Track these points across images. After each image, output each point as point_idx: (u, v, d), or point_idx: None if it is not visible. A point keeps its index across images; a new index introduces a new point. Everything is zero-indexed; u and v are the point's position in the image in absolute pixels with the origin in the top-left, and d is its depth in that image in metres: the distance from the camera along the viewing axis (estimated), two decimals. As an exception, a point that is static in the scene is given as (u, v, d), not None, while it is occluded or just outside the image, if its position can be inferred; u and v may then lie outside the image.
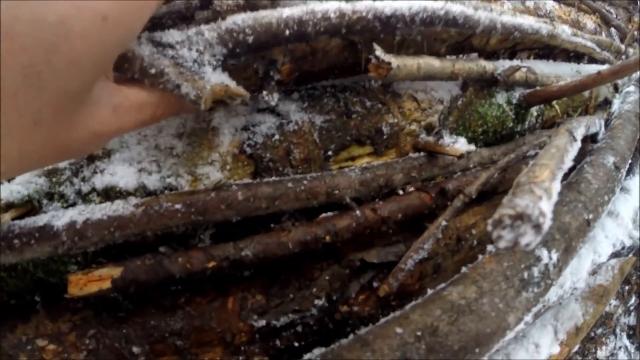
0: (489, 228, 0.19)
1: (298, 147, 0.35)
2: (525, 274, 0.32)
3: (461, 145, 0.36)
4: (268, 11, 0.30)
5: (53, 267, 0.36)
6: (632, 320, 1.02)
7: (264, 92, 0.33)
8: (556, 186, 0.26)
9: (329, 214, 0.35)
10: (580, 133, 0.42)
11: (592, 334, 1.00)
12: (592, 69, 0.74)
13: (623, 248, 0.56)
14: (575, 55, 0.75)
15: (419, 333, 0.26)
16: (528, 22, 0.51)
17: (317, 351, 0.29)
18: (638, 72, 0.82)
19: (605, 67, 0.67)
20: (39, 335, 0.36)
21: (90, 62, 0.17)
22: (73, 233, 0.30)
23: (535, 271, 0.32)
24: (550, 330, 0.56)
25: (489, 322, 0.28)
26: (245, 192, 0.31)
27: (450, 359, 0.26)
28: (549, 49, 0.66)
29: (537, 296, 0.33)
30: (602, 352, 1.01)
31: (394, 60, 0.31)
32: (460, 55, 0.48)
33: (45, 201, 0.35)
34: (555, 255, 0.34)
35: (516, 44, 0.55)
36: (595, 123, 0.57)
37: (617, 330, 1.02)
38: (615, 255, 0.56)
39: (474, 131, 0.46)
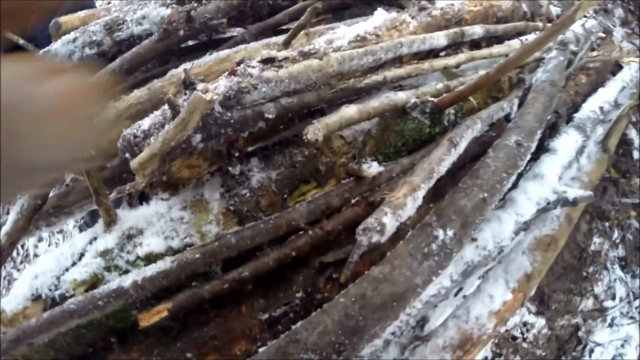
0: (357, 237, 0.43)
1: (263, 198, 0.59)
2: (426, 249, 0.56)
3: (373, 168, 0.60)
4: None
5: (120, 316, 0.61)
6: (621, 252, 1.25)
7: (230, 168, 0.57)
8: (417, 194, 0.50)
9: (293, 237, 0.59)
10: (467, 137, 0.65)
11: (584, 273, 1.23)
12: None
13: (549, 203, 0.79)
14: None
15: (353, 299, 0.50)
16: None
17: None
18: (560, 36, 1.03)
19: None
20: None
21: None
22: (136, 287, 0.55)
23: (434, 246, 0.56)
24: (502, 282, 0.79)
25: (400, 285, 0.52)
26: (236, 237, 0.55)
27: (376, 312, 0.50)
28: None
29: (440, 262, 0.57)
30: (599, 288, 1.24)
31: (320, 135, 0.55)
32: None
33: (105, 273, 0.60)
34: (450, 232, 0.58)
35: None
36: (502, 108, 0.80)
37: (609, 265, 1.24)
38: (543, 210, 0.79)
39: (394, 147, 0.69)
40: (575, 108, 1.03)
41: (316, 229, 0.58)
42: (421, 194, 0.50)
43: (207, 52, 0.80)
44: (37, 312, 0.63)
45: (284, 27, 0.86)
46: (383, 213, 0.44)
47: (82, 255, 0.63)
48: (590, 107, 0.99)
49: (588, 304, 1.23)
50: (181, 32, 0.74)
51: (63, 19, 0.81)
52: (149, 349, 0.60)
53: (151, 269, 0.55)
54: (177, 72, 0.70)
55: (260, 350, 0.51)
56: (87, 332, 0.61)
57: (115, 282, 0.56)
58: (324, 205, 0.59)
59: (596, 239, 1.23)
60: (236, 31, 0.90)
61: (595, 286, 1.23)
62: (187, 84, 0.61)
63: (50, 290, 0.62)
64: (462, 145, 0.63)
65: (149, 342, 0.61)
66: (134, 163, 0.56)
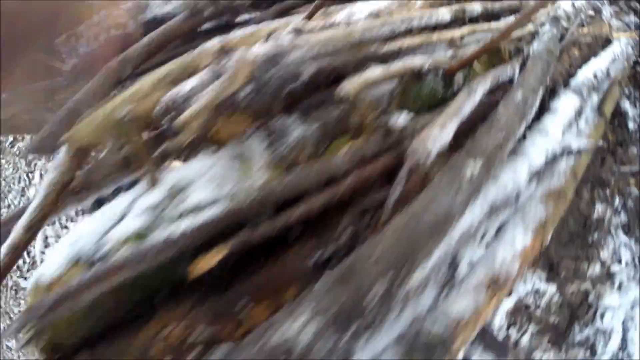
0: (406, 158, 0.49)
1: (303, 151, 0.65)
2: (457, 185, 0.62)
3: (401, 121, 0.67)
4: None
5: (168, 271, 0.64)
6: (624, 218, 1.33)
7: (270, 124, 0.63)
8: (449, 127, 0.57)
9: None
10: (482, 87, 0.72)
11: (590, 240, 1.31)
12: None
13: (556, 154, 0.87)
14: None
15: (398, 229, 0.56)
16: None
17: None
18: (550, 12, 1.14)
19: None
20: (165, 325, 0.64)
21: None
22: (185, 237, 0.59)
23: (464, 182, 0.62)
24: (521, 228, 0.86)
25: (440, 213, 0.58)
26: (281, 186, 0.60)
27: (422, 238, 0.56)
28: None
29: (470, 194, 0.63)
30: (604, 254, 1.31)
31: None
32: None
33: (151, 230, 0.64)
34: (477, 169, 0.64)
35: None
36: (506, 71, 0.88)
37: (613, 231, 1.32)
38: (551, 160, 0.87)
39: (413, 109, 0.76)
40: (571, 78, 1.12)
41: (353, 178, 0.63)
42: (455, 124, 0.57)
43: (227, 33, 0.86)
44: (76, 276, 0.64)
45: (300, 10, 0.94)
46: (430, 131, 0.51)
47: (123, 216, 0.67)
48: (585, 75, 1.09)
49: (596, 269, 1.30)
50: (206, 12, 0.80)
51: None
52: (200, 301, 0.64)
53: (200, 218, 0.59)
54: (209, 46, 0.75)
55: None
56: (132, 292, 0.63)
57: (164, 233, 0.60)
58: (359, 157, 0.65)
59: (599, 207, 1.31)
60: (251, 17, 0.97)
61: (601, 252, 1.31)
62: (225, 52, 0.67)
63: (90, 253, 0.63)
64: (479, 93, 0.70)
65: (199, 295, 0.64)
66: (180, 120, 0.61)
